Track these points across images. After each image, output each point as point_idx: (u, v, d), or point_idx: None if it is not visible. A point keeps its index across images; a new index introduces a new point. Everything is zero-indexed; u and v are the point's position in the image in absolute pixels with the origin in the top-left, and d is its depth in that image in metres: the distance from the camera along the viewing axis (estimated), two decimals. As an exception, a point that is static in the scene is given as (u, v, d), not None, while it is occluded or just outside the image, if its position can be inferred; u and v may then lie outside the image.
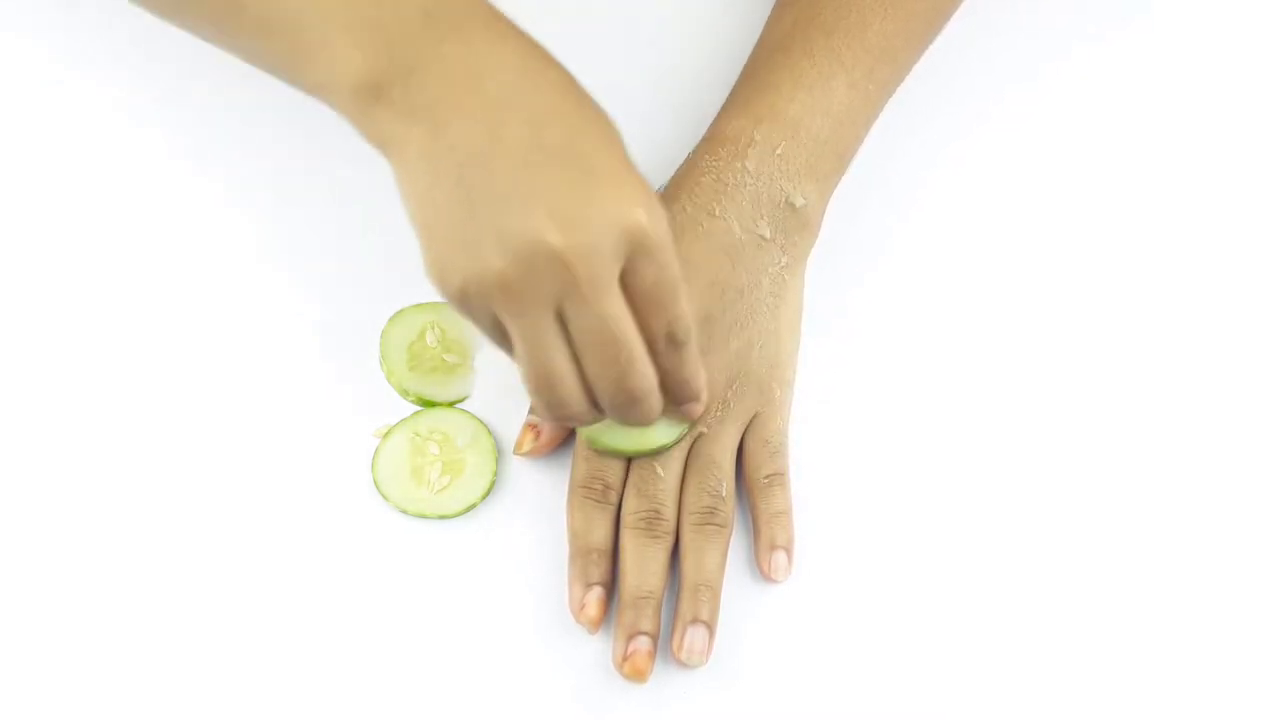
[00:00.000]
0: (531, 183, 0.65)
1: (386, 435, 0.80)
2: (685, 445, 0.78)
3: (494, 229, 0.65)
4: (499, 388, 0.81)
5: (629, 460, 0.78)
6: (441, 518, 0.78)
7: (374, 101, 0.68)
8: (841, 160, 0.82)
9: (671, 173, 0.83)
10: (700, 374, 0.72)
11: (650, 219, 0.66)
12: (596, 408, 0.70)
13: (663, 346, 0.69)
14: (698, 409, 0.74)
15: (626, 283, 0.67)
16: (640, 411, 0.70)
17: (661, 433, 0.76)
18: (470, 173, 0.66)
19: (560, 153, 0.66)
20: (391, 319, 0.82)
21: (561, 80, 0.68)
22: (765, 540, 0.78)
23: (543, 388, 0.69)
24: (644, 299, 0.68)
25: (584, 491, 0.77)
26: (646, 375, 0.69)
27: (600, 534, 0.77)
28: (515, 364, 0.69)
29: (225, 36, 0.73)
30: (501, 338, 0.69)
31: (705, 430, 0.78)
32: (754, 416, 0.79)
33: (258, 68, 0.73)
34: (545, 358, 0.67)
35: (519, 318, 0.66)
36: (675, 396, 0.72)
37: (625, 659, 0.75)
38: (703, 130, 0.83)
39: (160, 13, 0.77)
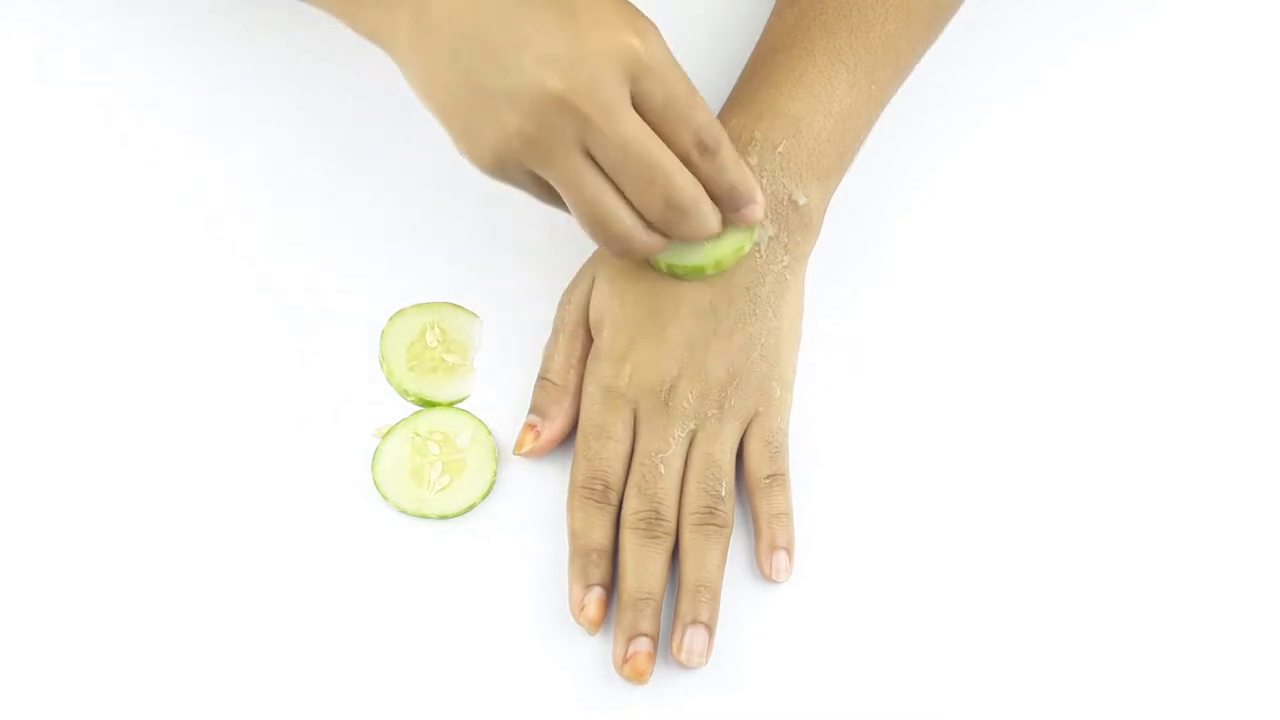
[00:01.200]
0: (518, 36, 0.68)
1: (386, 435, 0.79)
2: (685, 445, 0.78)
3: (500, 92, 0.68)
4: (499, 388, 0.81)
5: (629, 460, 0.78)
6: (441, 518, 0.78)
7: None
8: (842, 160, 0.82)
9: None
10: (746, 175, 0.74)
11: (642, 39, 0.69)
12: (657, 234, 0.73)
13: (697, 157, 0.71)
14: (757, 210, 0.75)
15: (641, 106, 0.70)
16: (694, 222, 0.72)
17: (731, 240, 0.76)
18: (462, 46, 0.69)
19: (541, 3, 0.69)
20: (391, 319, 0.82)
21: None
22: (766, 541, 0.78)
23: (599, 226, 0.71)
24: (660, 116, 0.70)
25: (584, 492, 0.77)
26: (686, 185, 0.71)
27: (600, 534, 0.77)
28: (571, 214, 0.71)
29: None
30: (550, 195, 0.72)
31: (703, 427, 0.78)
32: (754, 416, 0.79)
33: None
34: (591, 196, 0.70)
35: (551, 167, 0.69)
36: (727, 204, 0.74)
37: (625, 660, 0.74)
38: (704, 128, 0.83)
39: None
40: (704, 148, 0.71)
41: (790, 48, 0.82)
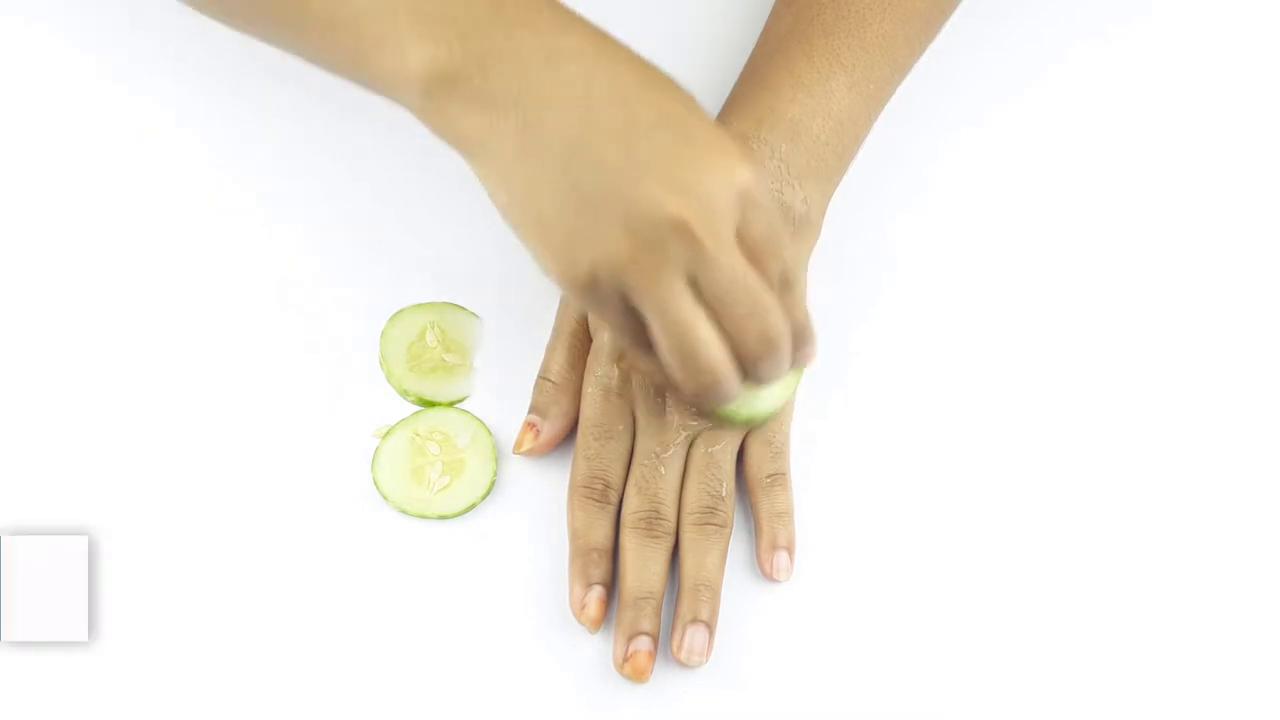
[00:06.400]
0: (638, 158, 0.66)
1: (386, 435, 0.80)
2: (685, 445, 0.78)
3: (612, 210, 0.66)
4: (499, 388, 0.81)
5: (629, 460, 0.78)
6: (441, 518, 0.78)
7: (448, 94, 0.68)
8: (842, 161, 0.82)
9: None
10: (810, 313, 0.72)
11: (754, 174, 0.67)
12: (737, 373, 0.69)
13: (780, 292, 0.69)
14: (813, 351, 0.73)
15: (741, 236, 0.68)
16: (779, 360, 0.69)
17: (782, 389, 0.75)
18: (574, 160, 0.66)
19: (657, 125, 0.67)
20: (391, 319, 0.82)
21: (633, 57, 0.69)
22: (767, 540, 0.78)
23: (689, 357, 0.68)
24: (759, 249, 0.68)
25: (584, 491, 0.77)
26: (780, 322, 0.69)
27: (600, 534, 0.77)
28: (657, 344, 0.68)
29: (289, 36, 0.73)
30: (631, 327, 0.69)
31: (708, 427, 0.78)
32: (755, 417, 0.79)
33: (323, 68, 0.73)
34: (689, 325, 0.67)
35: (654, 292, 0.66)
36: (796, 341, 0.71)
37: (626, 660, 0.75)
38: (703, 131, 0.83)
39: (218, 15, 0.77)
40: (786, 282, 0.69)
41: (788, 49, 0.82)
